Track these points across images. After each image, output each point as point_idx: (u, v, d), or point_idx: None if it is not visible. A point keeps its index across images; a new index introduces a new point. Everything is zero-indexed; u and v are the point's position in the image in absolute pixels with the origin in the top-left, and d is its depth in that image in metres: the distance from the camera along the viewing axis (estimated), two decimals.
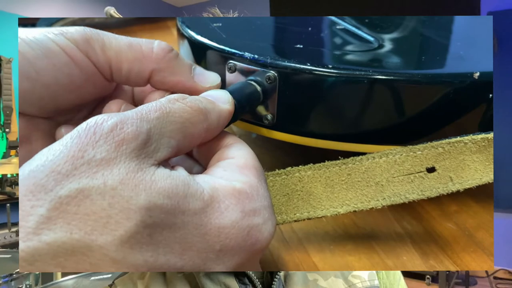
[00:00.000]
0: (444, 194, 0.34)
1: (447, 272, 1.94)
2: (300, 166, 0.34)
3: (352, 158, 0.34)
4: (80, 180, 0.19)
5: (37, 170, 0.19)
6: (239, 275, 0.35)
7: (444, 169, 0.34)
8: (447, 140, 0.34)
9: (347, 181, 0.34)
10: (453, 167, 0.34)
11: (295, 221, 0.34)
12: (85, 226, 0.19)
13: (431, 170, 0.34)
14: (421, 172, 0.34)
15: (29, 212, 0.18)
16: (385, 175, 0.34)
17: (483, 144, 0.34)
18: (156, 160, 0.22)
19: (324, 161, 0.34)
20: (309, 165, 0.34)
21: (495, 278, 2.26)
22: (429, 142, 0.34)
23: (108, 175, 0.19)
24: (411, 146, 0.34)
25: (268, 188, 0.27)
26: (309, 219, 0.34)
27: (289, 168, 0.34)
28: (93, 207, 0.19)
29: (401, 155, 0.34)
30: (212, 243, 0.21)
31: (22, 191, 0.19)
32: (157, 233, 0.20)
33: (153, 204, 0.20)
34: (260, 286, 0.35)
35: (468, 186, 0.34)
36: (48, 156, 0.20)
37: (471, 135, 0.34)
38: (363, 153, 0.36)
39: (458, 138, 0.34)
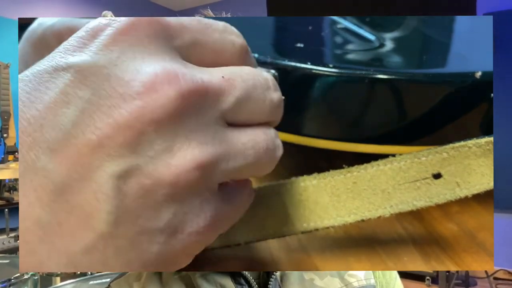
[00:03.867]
0: (452, 200, 0.34)
1: (447, 273, 1.94)
2: (304, 175, 0.34)
3: (356, 166, 0.33)
4: None
5: None
6: (235, 276, 0.35)
7: (450, 174, 0.33)
8: (451, 145, 0.33)
9: (353, 189, 0.33)
10: (459, 172, 0.33)
11: (302, 232, 0.33)
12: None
13: (437, 176, 0.33)
14: (427, 178, 0.33)
15: None
16: (391, 182, 0.33)
17: (488, 148, 0.33)
18: None
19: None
20: (313, 174, 0.34)
21: (495, 278, 2.26)
22: (432, 148, 0.33)
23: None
24: (415, 153, 0.33)
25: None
26: (316, 229, 0.33)
27: (293, 178, 0.34)
28: None
29: (406, 161, 0.33)
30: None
31: None
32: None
33: None
34: (256, 286, 0.35)
35: (476, 192, 0.34)
36: None
37: (475, 139, 0.34)
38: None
39: (462, 143, 0.33)
